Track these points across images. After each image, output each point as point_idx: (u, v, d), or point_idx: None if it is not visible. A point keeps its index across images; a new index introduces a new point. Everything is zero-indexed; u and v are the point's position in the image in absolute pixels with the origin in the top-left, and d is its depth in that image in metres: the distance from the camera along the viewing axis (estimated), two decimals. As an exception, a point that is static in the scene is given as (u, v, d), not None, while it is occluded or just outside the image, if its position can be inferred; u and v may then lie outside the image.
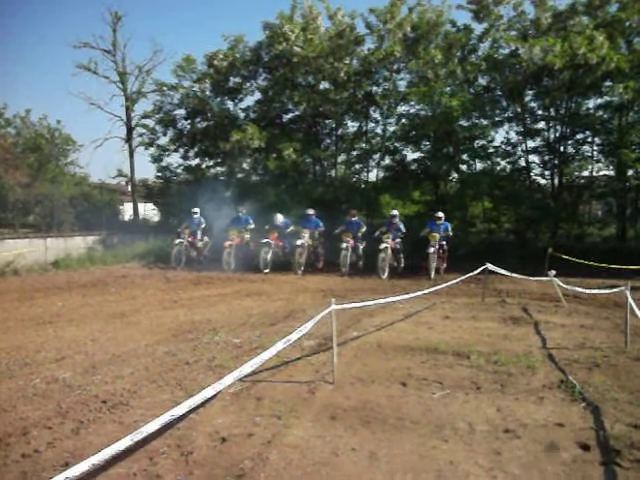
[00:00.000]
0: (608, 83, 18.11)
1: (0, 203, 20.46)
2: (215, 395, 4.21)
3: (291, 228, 16.55)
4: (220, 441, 4.00)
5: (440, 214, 15.69)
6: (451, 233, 15.75)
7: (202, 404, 4.00)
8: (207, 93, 21.93)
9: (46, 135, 29.69)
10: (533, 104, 20.03)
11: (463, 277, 10.98)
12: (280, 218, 16.65)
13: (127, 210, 27.52)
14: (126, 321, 8.60)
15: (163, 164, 23.17)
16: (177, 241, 16.66)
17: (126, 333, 7.65)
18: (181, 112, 22.55)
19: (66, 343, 7.00)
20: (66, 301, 10.62)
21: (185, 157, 22.83)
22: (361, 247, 16.01)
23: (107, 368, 5.85)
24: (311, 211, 16.52)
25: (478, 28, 19.83)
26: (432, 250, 14.82)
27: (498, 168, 20.23)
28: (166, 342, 7.08)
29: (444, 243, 15.44)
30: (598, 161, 19.75)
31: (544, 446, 3.93)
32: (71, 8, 62.13)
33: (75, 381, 5.39)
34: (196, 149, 22.55)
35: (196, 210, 17.31)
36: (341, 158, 21.92)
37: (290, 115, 22.13)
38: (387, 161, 21.76)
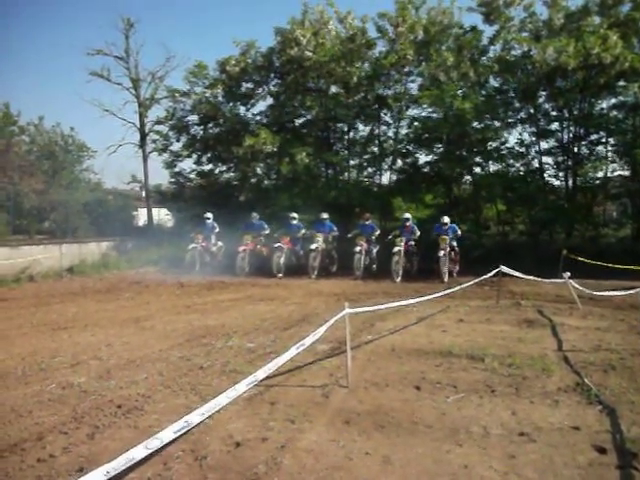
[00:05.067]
0: (622, 83, 18.01)
1: (15, 210, 20.66)
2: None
3: (303, 231, 16.58)
4: (234, 446, 4.00)
5: (445, 219, 15.55)
6: (459, 232, 15.67)
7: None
8: (219, 99, 22.01)
9: (60, 142, 29.98)
10: (546, 105, 19.91)
11: (477, 280, 10.92)
12: (295, 216, 16.74)
13: (141, 215, 27.67)
14: (140, 326, 8.63)
15: (176, 170, 23.30)
16: (191, 246, 16.73)
17: (140, 338, 7.69)
18: (194, 118, 22.67)
19: (81, 348, 7.04)
20: (81, 307, 10.70)
21: (198, 162, 22.90)
22: (375, 250, 15.98)
23: (122, 373, 5.87)
24: (325, 215, 16.57)
25: (489, 30, 19.83)
26: (442, 253, 14.74)
27: (512, 170, 20.09)
28: (180, 347, 7.10)
29: (455, 245, 15.38)
30: (613, 161, 19.56)
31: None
32: (84, 16, 62.73)
33: (90, 386, 5.42)
34: (209, 154, 22.61)
35: (209, 215, 17.40)
36: (353, 162, 21.91)
37: (302, 119, 22.16)
38: (399, 164, 21.72)
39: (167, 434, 3.13)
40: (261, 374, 4.22)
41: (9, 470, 3.67)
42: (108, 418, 4.56)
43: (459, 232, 15.69)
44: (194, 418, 3.42)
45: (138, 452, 2.85)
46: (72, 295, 12.41)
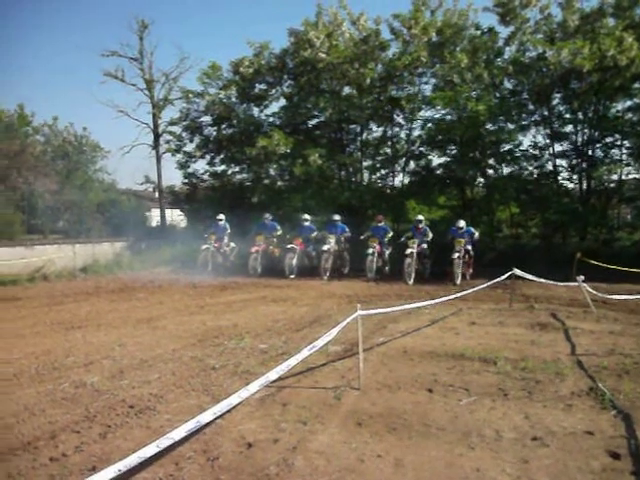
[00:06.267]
0: (637, 85, 17.88)
1: (30, 210, 20.81)
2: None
3: (315, 233, 16.56)
4: (246, 446, 4.01)
5: (461, 223, 15.35)
6: (477, 234, 15.55)
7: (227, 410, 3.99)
8: (233, 100, 22.06)
9: (74, 142, 30.20)
10: (561, 107, 19.78)
11: (490, 282, 10.83)
12: (307, 217, 16.72)
13: (154, 216, 27.78)
14: (153, 326, 8.67)
15: (190, 170, 23.35)
16: (204, 247, 16.79)
17: (153, 338, 7.72)
18: (207, 119, 22.74)
19: (94, 348, 7.09)
20: (94, 306, 10.77)
21: (211, 163, 22.96)
22: (387, 252, 15.94)
23: (134, 373, 5.90)
24: (337, 216, 16.53)
25: (504, 32, 19.74)
26: (457, 255, 14.64)
27: (525, 172, 19.98)
28: (192, 347, 7.13)
29: (469, 248, 15.26)
30: (627, 164, 19.34)
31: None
32: (98, 17, 63.22)
33: (103, 386, 5.45)
34: (222, 155, 22.66)
35: (221, 217, 17.42)
36: (366, 163, 21.88)
37: (315, 121, 22.14)
38: (412, 166, 21.68)
39: (179, 433, 3.14)
40: (273, 375, 4.22)
41: (22, 468, 3.70)
42: (120, 418, 4.58)
43: (476, 234, 15.55)
44: (206, 417, 3.43)
45: (149, 450, 2.86)
46: (85, 295, 12.49)
